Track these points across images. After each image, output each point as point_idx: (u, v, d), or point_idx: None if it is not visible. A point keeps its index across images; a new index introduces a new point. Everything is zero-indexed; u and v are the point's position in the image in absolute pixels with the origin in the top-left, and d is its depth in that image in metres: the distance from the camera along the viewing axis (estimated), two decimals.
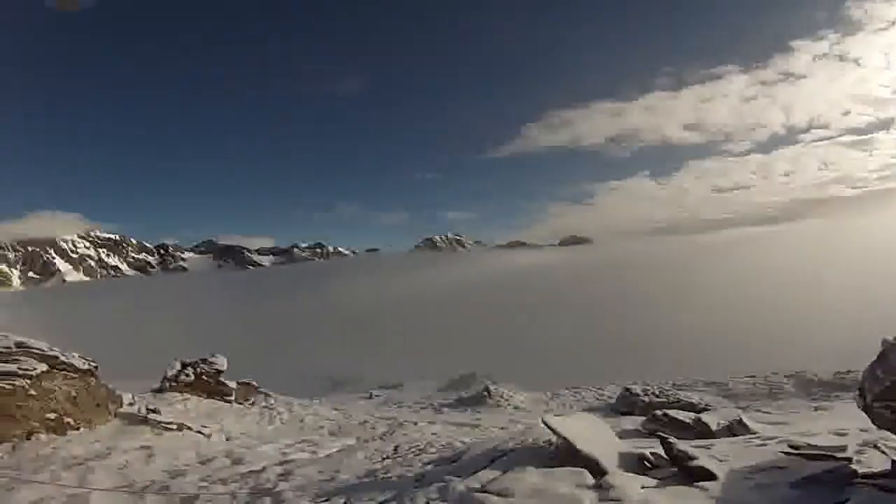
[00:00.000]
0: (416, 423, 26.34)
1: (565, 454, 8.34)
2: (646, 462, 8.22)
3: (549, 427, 8.65)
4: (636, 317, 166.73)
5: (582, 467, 7.81)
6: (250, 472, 14.17)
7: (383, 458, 14.32)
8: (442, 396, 49.70)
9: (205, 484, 13.00)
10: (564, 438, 8.31)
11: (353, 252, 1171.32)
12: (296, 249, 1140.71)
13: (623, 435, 10.44)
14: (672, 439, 8.05)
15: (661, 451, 8.19)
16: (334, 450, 17.82)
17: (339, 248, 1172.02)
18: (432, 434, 21.64)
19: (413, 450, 15.28)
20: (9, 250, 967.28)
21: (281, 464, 14.94)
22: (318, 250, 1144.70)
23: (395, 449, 15.90)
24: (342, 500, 9.41)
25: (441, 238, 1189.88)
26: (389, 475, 11.06)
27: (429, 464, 11.29)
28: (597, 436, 8.79)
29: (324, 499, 9.82)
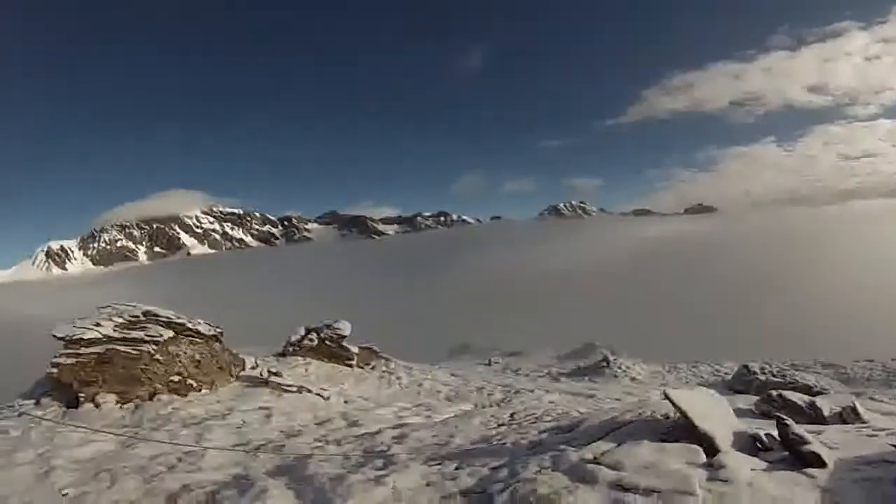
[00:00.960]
0: (532, 391, 26.06)
1: (682, 429, 7.95)
2: (759, 443, 7.80)
3: (669, 400, 8.24)
4: (760, 292, 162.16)
5: (696, 444, 7.45)
6: (365, 433, 14.23)
7: (499, 425, 14.09)
8: (560, 365, 49.38)
9: (319, 444, 13.10)
10: (683, 413, 7.90)
11: (478, 220, 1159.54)
12: (419, 218, 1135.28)
13: (736, 414, 9.91)
14: (788, 421, 7.53)
15: (774, 433, 7.73)
16: (450, 415, 17.75)
17: (464, 217, 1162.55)
18: (549, 402, 21.28)
19: (529, 417, 15.01)
20: (134, 228, 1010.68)
21: (396, 427, 14.94)
22: (442, 219, 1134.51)
23: (512, 416, 15.65)
24: (454, 465, 9.22)
25: (566, 205, 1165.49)
26: (504, 441, 10.81)
27: (544, 432, 10.98)
28: (715, 412, 8.33)
29: (436, 462, 9.66)
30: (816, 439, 7.44)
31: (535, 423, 13.33)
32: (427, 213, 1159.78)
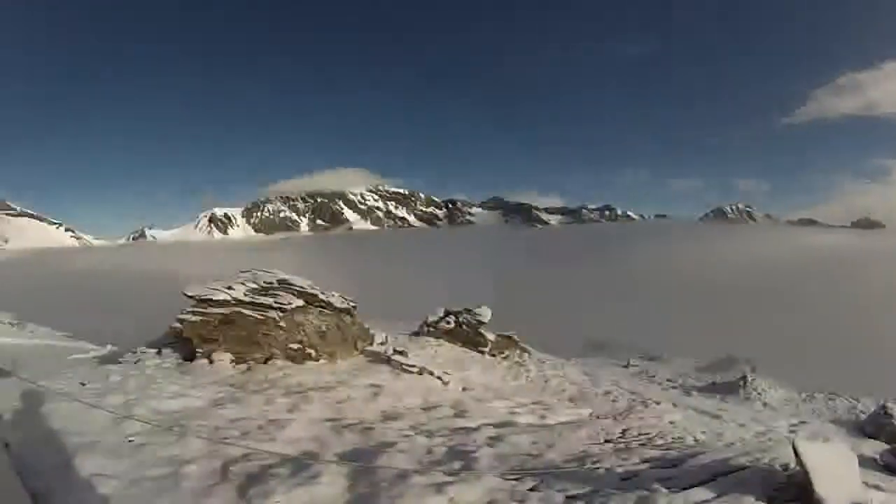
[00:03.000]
0: (658, 404, 24.15)
1: (797, 488, 6.46)
2: None
3: (796, 452, 6.72)
4: None
5: None
6: (464, 428, 13.05)
7: (605, 441, 12.65)
8: (697, 377, 47.32)
9: (410, 434, 11.94)
10: (805, 470, 6.40)
11: (642, 217, 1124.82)
12: (584, 210, 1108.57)
13: (858, 462, 8.16)
14: None
15: None
16: (563, 419, 16.41)
17: (629, 213, 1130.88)
18: (669, 422, 19.41)
19: (640, 438, 13.43)
20: (298, 201, 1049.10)
21: (500, 425, 13.69)
22: (607, 213, 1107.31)
23: (623, 433, 14.09)
24: (531, 484, 7.99)
25: (731, 208, 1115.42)
26: (599, 465, 9.45)
27: (647, 461, 9.55)
28: (842, 474, 6.72)
29: (515, 477, 8.43)
30: None
31: (643, 445, 11.85)
32: (592, 206, 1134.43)
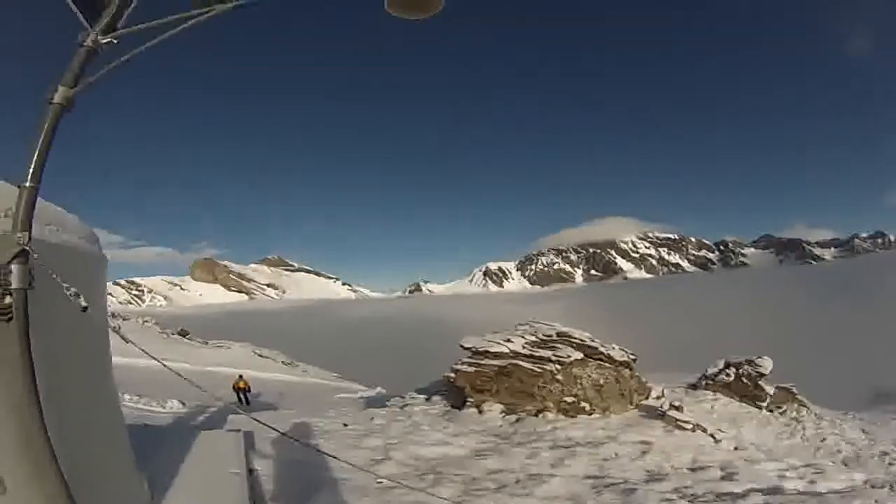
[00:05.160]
0: None
1: None
2: None
3: None
4: None
5: None
6: (730, 493, 12.46)
7: None
8: None
9: (672, 497, 11.67)
10: None
11: None
12: (856, 240, 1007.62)
13: None
14: None
15: None
16: (836, 486, 15.18)
17: None
18: None
19: None
20: (571, 252, 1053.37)
21: (767, 492, 12.92)
22: (879, 240, 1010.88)
23: None
24: None
25: None
26: None
27: None
28: None
29: None
30: None
31: None
32: (864, 235, 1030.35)
